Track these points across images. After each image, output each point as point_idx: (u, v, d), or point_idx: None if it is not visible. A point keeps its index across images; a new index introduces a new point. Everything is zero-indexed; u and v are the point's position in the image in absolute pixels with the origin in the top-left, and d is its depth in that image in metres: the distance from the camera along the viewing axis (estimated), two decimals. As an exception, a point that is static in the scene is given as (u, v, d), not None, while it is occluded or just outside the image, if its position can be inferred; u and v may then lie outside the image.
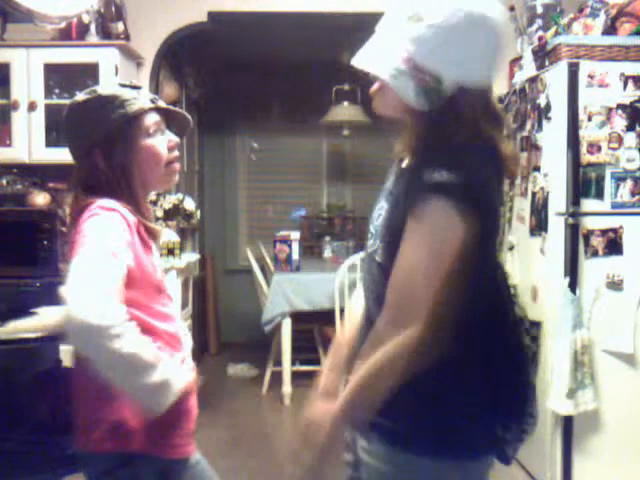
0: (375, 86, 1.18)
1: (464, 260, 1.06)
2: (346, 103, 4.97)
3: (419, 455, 1.14)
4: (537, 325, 1.26)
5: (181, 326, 1.50)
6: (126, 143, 1.34)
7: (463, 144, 1.09)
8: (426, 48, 1.07)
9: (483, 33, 1.07)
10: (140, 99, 1.37)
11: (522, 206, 3.02)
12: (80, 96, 1.39)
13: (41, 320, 2.03)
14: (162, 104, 1.42)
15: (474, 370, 1.15)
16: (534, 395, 1.22)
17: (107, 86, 1.41)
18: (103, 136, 1.33)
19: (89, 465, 1.36)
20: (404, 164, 1.23)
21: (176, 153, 1.44)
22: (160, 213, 3.47)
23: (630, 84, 2.68)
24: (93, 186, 1.33)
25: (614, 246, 2.71)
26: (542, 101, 2.82)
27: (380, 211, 1.23)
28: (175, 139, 1.43)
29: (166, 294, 1.41)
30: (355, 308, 1.39)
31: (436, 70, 1.07)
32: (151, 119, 1.38)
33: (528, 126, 2.97)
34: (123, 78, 3.29)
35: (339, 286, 4.01)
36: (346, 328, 1.39)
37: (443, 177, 1.05)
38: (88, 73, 3.31)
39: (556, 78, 2.73)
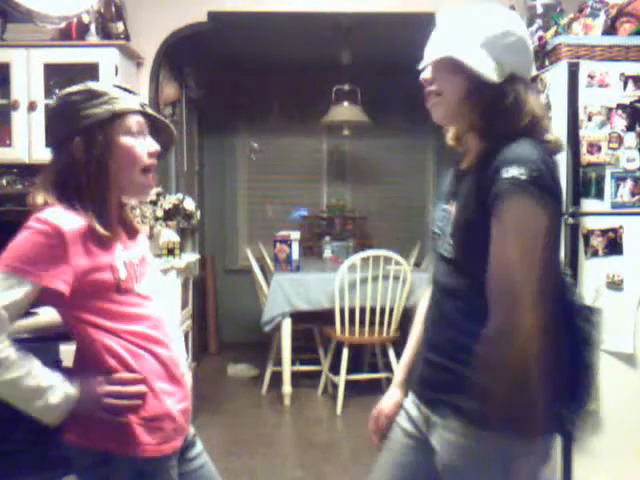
0: (434, 99, 1.32)
1: (550, 248, 1.20)
2: (346, 103, 4.97)
3: (493, 431, 1.21)
4: (594, 310, 1.33)
5: (165, 324, 1.49)
6: (106, 137, 1.35)
7: (525, 141, 1.22)
8: (498, 45, 1.27)
9: (529, 47, 1.33)
10: (129, 100, 1.40)
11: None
12: (71, 88, 1.39)
13: (40, 320, 2.03)
14: (150, 110, 1.44)
15: (546, 354, 1.21)
16: (593, 376, 1.31)
17: (100, 83, 1.42)
18: (85, 127, 1.34)
19: (74, 458, 1.38)
20: (463, 165, 1.37)
21: (154, 161, 1.43)
22: (160, 213, 3.47)
23: (630, 84, 2.68)
24: (61, 182, 1.35)
25: (614, 246, 2.71)
26: (542, 101, 2.82)
27: (443, 213, 1.37)
28: (156, 147, 1.43)
29: (134, 294, 1.39)
30: (422, 305, 1.53)
31: (498, 58, 1.27)
32: (134, 119, 1.39)
33: (528, 126, 2.97)
34: (123, 78, 3.29)
35: (339, 286, 4.01)
36: (416, 324, 1.54)
37: (521, 173, 1.16)
38: (88, 73, 3.30)
39: (556, 78, 2.73)
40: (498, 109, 1.26)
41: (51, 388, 1.26)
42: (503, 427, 1.20)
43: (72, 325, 1.36)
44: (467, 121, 1.32)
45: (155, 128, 1.47)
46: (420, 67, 1.33)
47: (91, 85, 1.39)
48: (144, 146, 1.41)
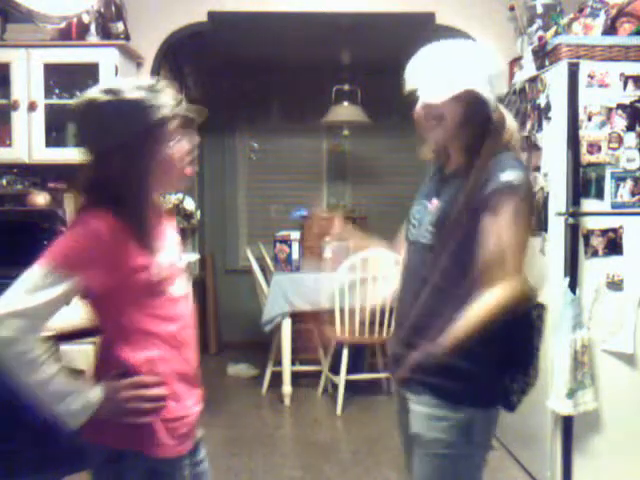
0: (435, 124, 1.53)
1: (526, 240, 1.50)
2: (346, 103, 4.97)
3: (457, 404, 1.49)
4: (542, 307, 1.58)
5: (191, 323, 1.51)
6: (146, 151, 1.32)
7: (509, 155, 1.51)
8: (484, 80, 1.51)
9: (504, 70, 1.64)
10: (164, 104, 1.34)
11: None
12: (100, 95, 1.33)
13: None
14: (184, 106, 1.39)
15: (501, 332, 1.46)
16: (537, 356, 1.56)
17: (129, 88, 1.33)
18: (124, 141, 1.31)
19: (89, 454, 1.40)
20: (448, 171, 1.60)
21: (194, 154, 1.43)
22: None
23: (630, 84, 2.68)
24: (98, 187, 1.34)
25: (614, 246, 2.71)
26: (542, 101, 2.82)
27: (421, 207, 1.61)
28: (195, 140, 1.43)
29: (168, 295, 1.40)
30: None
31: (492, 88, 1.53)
32: (174, 124, 1.36)
33: (528, 126, 2.97)
34: (123, 78, 3.29)
35: (339, 286, 4.01)
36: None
37: (515, 179, 1.45)
38: (88, 73, 3.30)
39: (556, 78, 2.73)
40: (489, 130, 1.51)
41: (72, 394, 1.27)
42: (468, 400, 1.48)
43: (103, 324, 1.38)
44: (461, 142, 1.54)
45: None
46: (437, 100, 1.49)
47: (123, 95, 1.32)
48: (184, 145, 1.39)
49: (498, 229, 1.44)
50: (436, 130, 1.54)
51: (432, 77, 1.50)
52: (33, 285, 1.25)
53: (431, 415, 1.51)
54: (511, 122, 1.57)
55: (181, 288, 1.47)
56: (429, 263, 1.52)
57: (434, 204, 1.57)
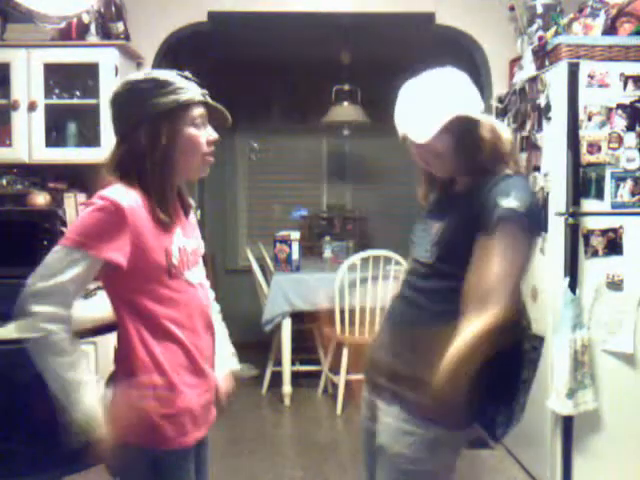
0: (435, 161, 1.54)
1: (524, 271, 1.43)
2: (346, 103, 4.97)
3: (426, 421, 1.46)
4: (541, 339, 1.54)
5: (210, 314, 1.57)
6: (172, 127, 1.38)
7: (517, 177, 1.49)
8: (463, 102, 1.51)
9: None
10: (192, 90, 1.43)
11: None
12: (136, 75, 1.43)
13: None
14: (210, 100, 1.48)
15: (486, 361, 1.39)
16: (526, 391, 1.52)
17: (164, 72, 1.44)
18: (152, 116, 1.37)
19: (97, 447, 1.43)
20: (453, 192, 1.59)
21: (213, 148, 1.48)
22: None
23: (630, 84, 2.68)
24: (123, 163, 1.39)
25: (614, 246, 2.71)
26: (542, 101, 2.82)
27: (424, 226, 1.61)
28: (215, 135, 1.48)
29: (183, 280, 1.43)
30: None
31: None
32: (198, 111, 1.43)
33: (528, 126, 2.97)
34: (123, 78, 3.29)
35: (339, 286, 4.01)
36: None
37: (519, 206, 1.40)
38: (88, 73, 3.31)
39: (556, 78, 2.73)
40: (481, 146, 1.48)
41: (87, 384, 1.29)
42: (439, 419, 1.44)
43: (116, 311, 1.41)
44: (462, 166, 1.53)
45: (210, 112, 1.50)
46: (425, 139, 1.48)
47: (155, 74, 1.42)
48: (205, 135, 1.45)
49: (495, 257, 1.39)
50: (436, 166, 1.56)
51: (414, 118, 1.50)
52: (57, 264, 1.28)
53: (399, 429, 1.49)
54: (504, 132, 1.54)
55: (197, 276, 1.51)
56: (427, 280, 1.53)
57: (437, 225, 1.55)
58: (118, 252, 1.31)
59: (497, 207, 1.40)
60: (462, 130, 1.48)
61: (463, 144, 1.49)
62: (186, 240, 1.48)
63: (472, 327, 1.36)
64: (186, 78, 1.46)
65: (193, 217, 1.63)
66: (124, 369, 1.40)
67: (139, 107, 1.38)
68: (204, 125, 1.46)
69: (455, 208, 1.53)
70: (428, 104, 1.49)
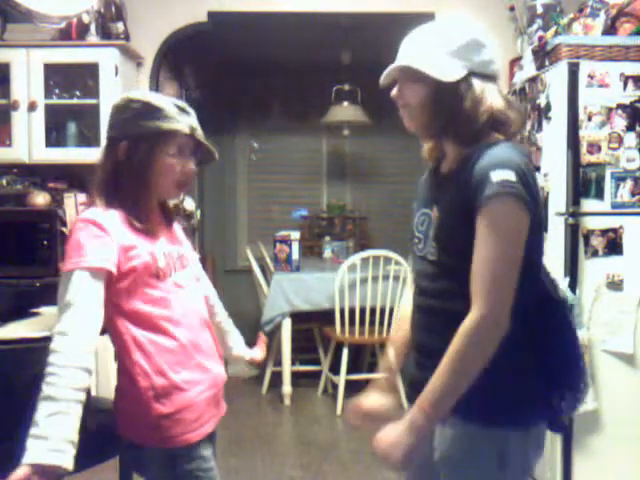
0: (404, 111, 1.39)
1: (530, 244, 1.26)
2: (346, 103, 4.97)
3: (486, 425, 1.30)
4: (573, 306, 1.44)
5: (203, 313, 1.59)
6: (148, 150, 1.45)
7: (505, 144, 1.29)
8: (445, 45, 1.33)
9: (485, 46, 1.37)
10: (181, 122, 1.48)
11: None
12: (134, 94, 1.50)
13: (41, 320, 2.03)
14: (199, 136, 1.52)
15: (529, 349, 1.31)
16: (584, 366, 1.40)
17: (161, 98, 1.50)
18: (133, 135, 1.45)
19: (117, 444, 1.52)
20: (443, 170, 1.41)
21: (188, 178, 1.53)
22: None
23: (630, 84, 2.68)
24: (106, 176, 1.47)
25: (614, 246, 2.71)
26: (542, 101, 2.82)
27: (424, 217, 1.42)
28: (191, 168, 1.53)
29: (171, 281, 1.48)
30: (405, 309, 1.54)
31: (450, 59, 1.33)
32: (179, 141, 1.48)
33: (528, 126, 2.97)
34: (123, 78, 3.29)
35: (339, 286, 4.01)
36: (398, 327, 1.55)
37: (504, 177, 1.22)
38: (88, 73, 3.31)
39: (556, 78, 2.73)
40: (457, 110, 1.31)
41: (53, 436, 1.21)
42: (502, 418, 1.29)
43: (110, 319, 1.43)
44: (435, 127, 1.37)
45: (198, 145, 1.55)
46: (381, 80, 1.40)
47: (151, 98, 1.48)
48: (181, 164, 1.50)
49: (487, 240, 1.23)
50: (406, 118, 1.39)
51: (408, 47, 1.37)
52: (70, 291, 1.33)
53: (459, 435, 1.32)
54: (492, 96, 1.32)
55: (185, 278, 1.54)
56: (438, 280, 1.35)
57: (435, 213, 1.38)
58: (107, 261, 1.37)
59: (481, 184, 1.23)
60: (439, 87, 1.31)
61: (439, 103, 1.32)
62: (171, 247, 1.54)
63: (459, 339, 1.24)
64: (180, 109, 1.50)
65: (178, 228, 1.69)
66: (123, 373, 1.44)
67: (125, 123, 1.46)
68: (182, 155, 1.50)
69: (445, 191, 1.36)
70: (408, 46, 1.36)
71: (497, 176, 1.22)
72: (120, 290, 1.41)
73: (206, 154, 1.59)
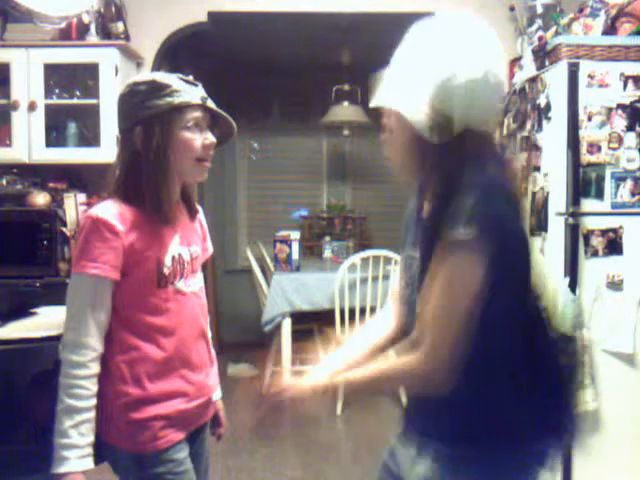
0: (386, 134, 1.27)
1: (483, 298, 1.14)
2: (346, 103, 4.97)
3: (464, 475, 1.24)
4: (571, 339, 1.40)
5: (204, 322, 1.56)
6: (165, 129, 1.40)
7: (483, 186, 1.15)
8: (445, 95, 1.17)
9: (493, 88, 1.20)
10: (190, 94, 1.43)
11: (522, 206, 3.02)
12: (137, 77, 1.46)
13: (41, 320, 2.03)
14: (210, 104, 1.47)
15: (511, 399, 1.24)
16: (573, 412, 1.36)
17: (165, 75, 1.45)
18: (146, 117, 1.40)
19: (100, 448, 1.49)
20: (425, 212, 1.30)
21: (208, 153, 1.48)
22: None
23: (630, 84, 2.68)
24: (124, 168, 1.43)
25: (614, 246, 2.71)
26: (542, 101, 2.82)
27: (410, 261, 1.33)
28: (211, 139, 1.47)
29: (173, 288, 1.45)
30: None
31: (450, 112, 1.17)
32: (193, 114, 1.43)
33: (528, 126, 2.97)
34: (123, 78, 3.29)
35: (339, 286, 4.01)
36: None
37: (460, 234, 1.11)
38: (88, 73, 3.31)
39: (556, 78, 2.73)
40: (438, 166, 1.21)
41: (72, 444, 1.32)
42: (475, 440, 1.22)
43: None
44: (410, 169, 1.28)
45: (215, 119, 1.51)
46: (370, 105, 1.29)
47: (155, 76, 1.44)
48: (199, 138, 1.45)
49: (440, 288, 1.16)
50: (385, 142, 1.28)
51: (387, 81, 1.26)
52: (77, 295, 1.36)
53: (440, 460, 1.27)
54: (477, 146, 1.20)
55: (191, 284, 1.50)
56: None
57: (416, 255, 1.29)
58: (113, 269, 1.37)
59: (445, 234, 1.14)
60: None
61: (420, 144, 1.20)
62: (183, 248, 1.49)
63: (398, 361, 1.23)
64: (187, 82, 1.46)
65: (201, 221, 1.64)
66: (105, 372, 1.42)
67: (135, 109, 1.42)
68: (200, 128, 1.45)
69: (422, 237, 1.28)
70: (402, 71, 1.23)
71: (450, 233, 1.13)
72: (119, 293, 1.40)
73: (223, 127, 1.53)
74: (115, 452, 1.44)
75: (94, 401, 1.36)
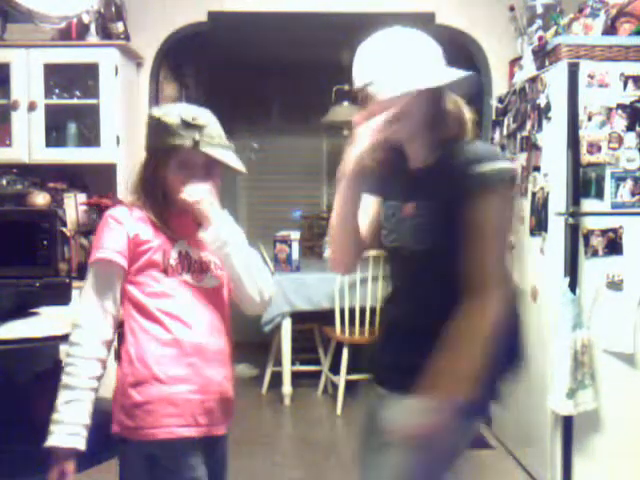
0: (397, 122, 1.37)
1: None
2: (346, 103, 4.97)
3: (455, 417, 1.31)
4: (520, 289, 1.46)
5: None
6: (154, 166, 1.52)
7: (479, 141, 1.40)
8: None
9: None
10: (184, 137, 1.47)
11: (522, 206, 3.02)
12: (154, 111, 1.56)
13: (41, 320, 2.03)
14: (204, 149, 1.48)
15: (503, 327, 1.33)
16: (525, 348, 1.45)
17: (173, 114, 1.50)
18: (149, 150, 1.55)
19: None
20: (415, 166, 1.45)
21: (193, 198, 1.50)
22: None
23: (630, 84, 2.68)
24: (135, 184, 1.56)
25: (614, 246, 2.71)
26: (542, 101, 2.82)
27: (393, 210, 1.47)
28: (197, 181, 1.51)
29: (180, 280, 1.50)
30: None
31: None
32: (181, 157, 1.49)
33: (528, 126, 2.97)
34: (123, 78, 3.29)
35: (339, 286, 4.01)
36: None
37: (501, 167, 1.31)
38: (88, 73, 3.31)
39: (556, 78, 2.73)
40: (445, 119, 1.40)
41: (60, 423, 1.35)
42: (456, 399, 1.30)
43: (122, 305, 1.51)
44: (428, 134, 1.41)
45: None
46: (388, 98, 1.36)
47: (163, 114, 1.50)
48: (185, 180, 1.50)
49: (483, 231, 1.30)
50: (400, 129, 1.39)
51: (393, 71, 1.36)
52: (88, 283, 1.45)
53: (413, 410, 1.34)
54: (465, 109, 1.43)
55: (202, 281, 1.54)
56: (417, 271, 1.42)
57: (410, 207, 1.42)
58: (118, 254, 1.46)
59: (476, 175, 1.30)
60: (433, 97, 1.38)
61: (430, 111, 1.39)
62: (192, 249, 1.54)
63: (479, 322, 1.28)
64: (187, 124, 1.47)
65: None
66: (120, 358, 1.49)
67: (147, 138, 1.56)
68: (188, 170, 1.50)
69: (427, 186, 1.40)
70: (414, 60, 1.37)
71: (483, 169, 1.30)
72: (129, 277, 1.48)
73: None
74: (125, 447, 1.45)
75: (91, 383, 1.38)
